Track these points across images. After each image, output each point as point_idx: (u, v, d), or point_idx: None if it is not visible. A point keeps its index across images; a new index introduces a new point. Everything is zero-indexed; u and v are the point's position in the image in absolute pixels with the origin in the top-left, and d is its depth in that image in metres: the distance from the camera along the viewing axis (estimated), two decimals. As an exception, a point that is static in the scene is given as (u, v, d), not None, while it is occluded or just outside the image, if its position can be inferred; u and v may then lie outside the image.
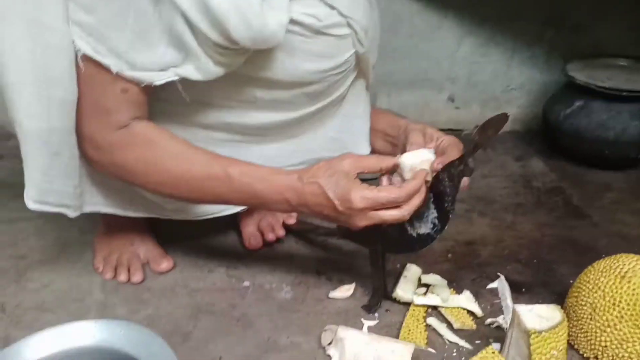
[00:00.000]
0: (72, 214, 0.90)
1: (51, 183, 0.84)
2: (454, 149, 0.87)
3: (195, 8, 0.73)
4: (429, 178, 0.83)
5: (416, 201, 0.81)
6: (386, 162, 0.83)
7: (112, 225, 1.05)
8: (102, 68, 0.77)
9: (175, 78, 0.79)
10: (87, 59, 0.77)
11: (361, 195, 0.78)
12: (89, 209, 0.94)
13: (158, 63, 0.78)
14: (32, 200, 0.85)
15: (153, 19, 0.75)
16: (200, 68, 0.78)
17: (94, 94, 0.80)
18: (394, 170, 0.84)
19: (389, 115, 1.07)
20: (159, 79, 0.79)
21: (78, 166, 0.86)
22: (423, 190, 0.81)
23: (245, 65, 0.82)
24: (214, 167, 0.83)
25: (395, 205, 0.79)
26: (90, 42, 0.75)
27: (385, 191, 0.79)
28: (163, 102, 0.86)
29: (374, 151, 1.07)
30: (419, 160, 0.84)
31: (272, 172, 0.83)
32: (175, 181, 0.84)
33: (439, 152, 0.87)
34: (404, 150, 0.93)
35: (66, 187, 0.86)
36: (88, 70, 0.77)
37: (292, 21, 0.80)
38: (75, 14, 0.74)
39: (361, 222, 0.80)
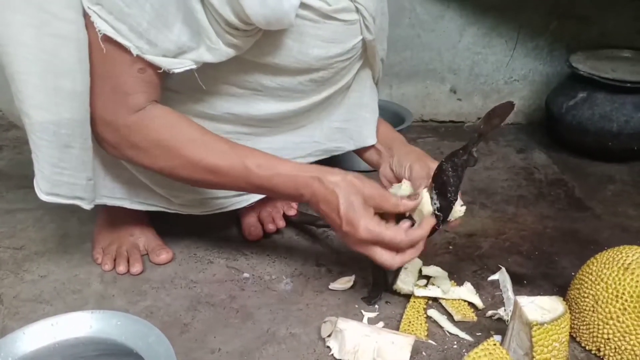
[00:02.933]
0: (86, 206, 0.89)
1: (62, 175, 0.83)
2: None
3: None
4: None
5: (411, 254, 0.81)
6: (406, 207, 0.82)
7: (112, 216, 1.04)
8: (122, 49, 0.77)
9: (194, 67, 0.79)
10: (107, 39, 0.76)
11: (367, 227, 0.78)
12: (96, 201, 0.93)
13: (176, 42, 0.77)
14: (44, 192, 0.84)
15: None
16: (211, 48, 0.78)
17: (113, 75, 0.79)
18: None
19: (384, 126, 1.07)
20: (177, 67, 0.79)
21: (91, 158, 0.85)
22: (421, 245, 0.82)
23: (252, 51, 0.82)
24: (232, 157, 0.83)
25: (394, 247, 0.80)
26: (110, 20, 0.75)
27: (391, 231, 0.79)
28: (170, 92, 0.86)
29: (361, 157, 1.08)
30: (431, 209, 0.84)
31: (290, 167, 0.83)
32: (191, 167, 0.83)
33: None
34: (395, 175, 0.96)
35: (78, 180, 0.85)
36: (108, 51, 0.77)
37: (302, 5, 0.80)
38: None
39: (355, 246, 0.82)
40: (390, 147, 1.02)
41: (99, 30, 0.75)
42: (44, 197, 0.84)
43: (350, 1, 0.86)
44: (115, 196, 0.95)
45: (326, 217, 0.82)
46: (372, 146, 1.04)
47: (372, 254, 0.81)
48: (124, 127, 0.82)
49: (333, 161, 1.17)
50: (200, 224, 1.09)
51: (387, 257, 0.81)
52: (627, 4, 1.53)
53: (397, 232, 0.80)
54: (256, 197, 1.01)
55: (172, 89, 0.85)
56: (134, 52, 0.76)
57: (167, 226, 1.08)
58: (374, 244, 0.80)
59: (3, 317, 0.89)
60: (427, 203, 0.83)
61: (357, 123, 1.02)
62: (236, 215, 1.11)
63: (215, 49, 0.78)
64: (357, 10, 0.87)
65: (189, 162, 0.83)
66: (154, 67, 0.79)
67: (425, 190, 0.84)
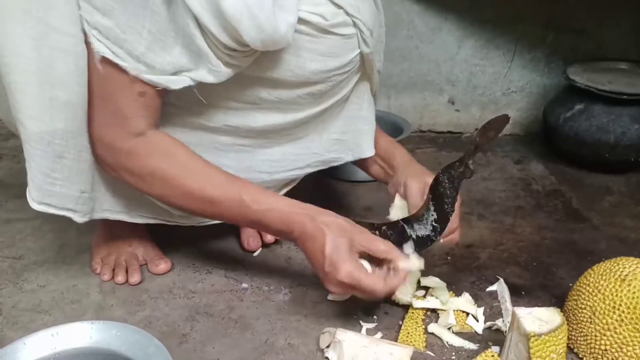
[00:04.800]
0: (79, 219, 0.89)
1: (54, 185, 0.83)
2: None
3: (207, 11, 0.73)
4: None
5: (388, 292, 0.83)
6: (394, 258, 0.83)
7: (110, 227, 1.04)
8: (120, 70, 0.77)
9: (192, 84, 0.80)
10: (105, 61, 0.77)
11: (349, 271, 0.80)
12: (97, 215, 0.93)
13: (174, 65, 0.78)
14: (35, 201, 0.84)
15: (167, 21, 0.75)
16: (212, 70, 0.79)
17: (112, 97, 0.80)
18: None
19: (385, 140, 1.07)
20: (176, 84, 0.79)
21: (86, 171, 0.85)
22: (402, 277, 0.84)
23: (249, 66, 0.82)
24: (229, 189, 0.84)
25: (371, 294, 0.81)
26: (108, 44, 0.75)
27: (371, 280, 0.81)
28: (168, 106, 0.86)
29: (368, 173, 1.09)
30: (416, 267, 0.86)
31: (285, 204, 0.85)
32: (188, 197, 0.85)
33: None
34: (397, 190, 0.98)
35: (70, 191, 0.85)
36: (106, 72, 0.77)
37: (299, 20, 0.81)
38: (91, 17, 0.74)
39: (333, 287, 0.83)
40: (391, 165, 1.03)
41: (97, 52, 0.76)
42: (35, 206, 0.84)
43: (348, 15, 0.86)
44: (117, 210, 0.95)
45: (310, 257, 0.84)
46: (376, 162, 1.06)
47: (350, 293, 0.84)
48: (123, 151, 0.82)
49: (333, 171, 1.18)
50: (198, 234, 1.09)
51: (366, 297, 0.83)
52: (623, 17, 1.54)
53: (376, 282, 0.81)
54: None
55: (169, 102, 0.86)
56: (132, 73, 0.77)
57: (166, 236, 1.08)
58: (351, 288, 0.82)
59: (2, 326, 0.89)
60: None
61: (355, 135, 1.03)
62: (235, 226, 1.11)
63: (217, 71, 0.79)
64: (355, 25, 0.87)
65: (186, 192, 0.84)
66: (153, 88, 0.79)
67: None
